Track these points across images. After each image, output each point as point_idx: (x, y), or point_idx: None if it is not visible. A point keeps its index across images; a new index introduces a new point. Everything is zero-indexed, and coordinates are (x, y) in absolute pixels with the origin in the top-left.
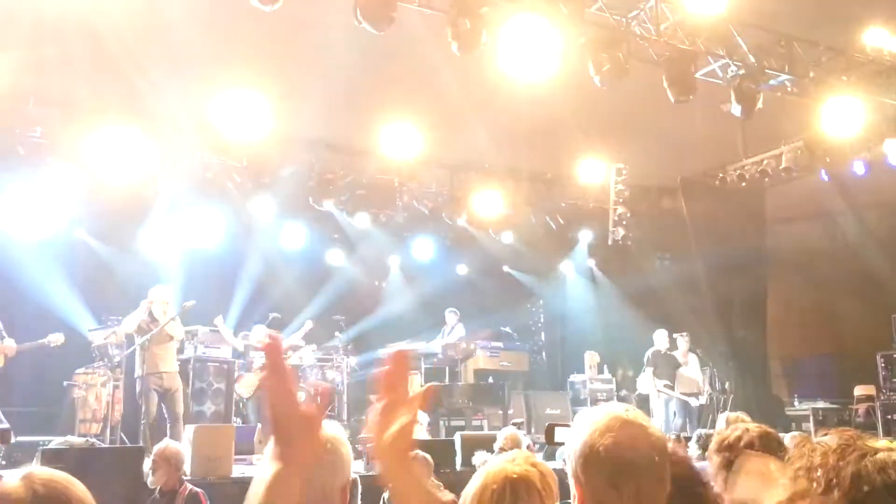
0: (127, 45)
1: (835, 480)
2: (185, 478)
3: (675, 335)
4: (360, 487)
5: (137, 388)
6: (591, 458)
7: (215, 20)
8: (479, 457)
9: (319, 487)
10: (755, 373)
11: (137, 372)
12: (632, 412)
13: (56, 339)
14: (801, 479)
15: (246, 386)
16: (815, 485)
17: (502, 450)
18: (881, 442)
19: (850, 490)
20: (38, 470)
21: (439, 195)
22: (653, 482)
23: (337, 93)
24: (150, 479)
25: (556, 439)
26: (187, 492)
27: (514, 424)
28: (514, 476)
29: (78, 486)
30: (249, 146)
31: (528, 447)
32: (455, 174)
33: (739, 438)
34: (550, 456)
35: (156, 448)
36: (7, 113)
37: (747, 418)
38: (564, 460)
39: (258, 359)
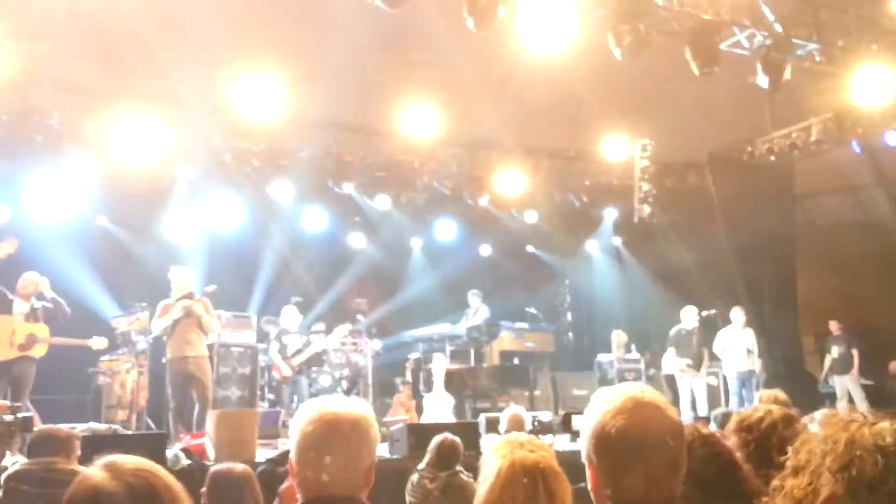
0: (141, 30)
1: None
2: None
3: (733, 308)
4: None
5: (167, 374)
6: (602, 440)
7: (230, 3)
8: (486, 440)
9: (344, 466)
10: (786, 350)
11: (167, 356)
12: (648, 393)
13: (100, 343)
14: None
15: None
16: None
17: (506, 431)
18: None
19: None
20: (121, 458)
21: (460, 175)
22: (665, 465)
23: (353, 74)
24: None
25: (573, 427)
26: None
27: (513, 402)
28: (542, 465)
29: (163, 473)
30: (266, 129)
31: (533, 423)
32: (475, 153)
33: (762, 420)
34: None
35: None
36: (24, 100)
37: (783, 395)
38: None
39: (292, 343)
